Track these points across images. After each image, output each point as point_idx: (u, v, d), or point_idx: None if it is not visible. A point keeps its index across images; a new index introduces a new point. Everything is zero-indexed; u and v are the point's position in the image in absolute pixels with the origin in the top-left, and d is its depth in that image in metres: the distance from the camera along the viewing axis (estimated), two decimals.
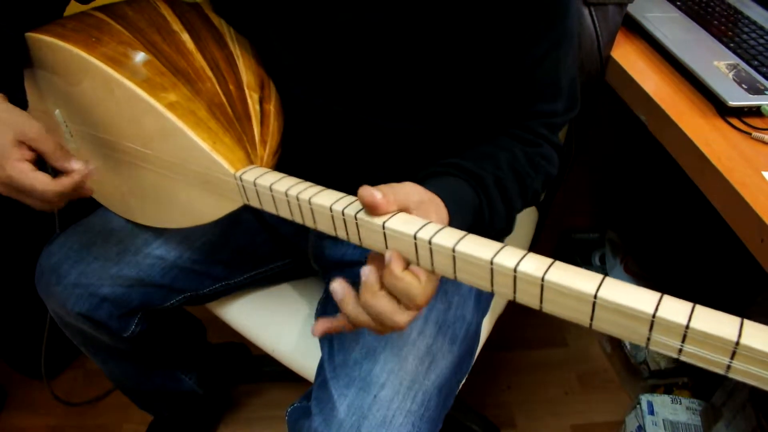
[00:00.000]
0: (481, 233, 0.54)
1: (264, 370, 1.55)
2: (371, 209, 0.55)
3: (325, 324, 0.62)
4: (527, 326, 1.74)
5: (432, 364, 0.80)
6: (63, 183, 0.69)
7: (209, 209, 0.74)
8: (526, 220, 1.26)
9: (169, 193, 0.78)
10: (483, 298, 0.92)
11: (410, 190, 0.59)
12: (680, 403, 1.34)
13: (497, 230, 0.73)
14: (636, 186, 1.69)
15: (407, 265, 0.55)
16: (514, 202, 0.74)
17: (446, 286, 0.87)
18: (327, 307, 0.93)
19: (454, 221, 0.62)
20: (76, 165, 0.71)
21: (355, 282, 0.91)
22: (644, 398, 1.36)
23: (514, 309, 1.15)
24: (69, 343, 1.09)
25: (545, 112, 0.78)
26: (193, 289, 0.99)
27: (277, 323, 1.05)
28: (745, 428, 1.13)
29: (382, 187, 0.57)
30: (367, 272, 0.56)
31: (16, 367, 1.56)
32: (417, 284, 0.54)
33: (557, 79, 0.76)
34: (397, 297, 0.55)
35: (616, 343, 1.60)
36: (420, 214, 0.57)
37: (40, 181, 0.68)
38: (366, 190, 0.54)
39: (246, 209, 1.00)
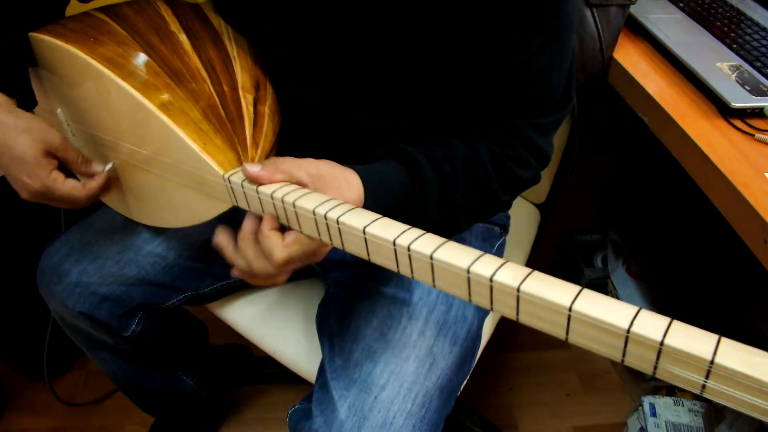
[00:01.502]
0: (410, 219, 0.55)
1: (266, 371, 1.55)
2: (252, 182, 0.61)
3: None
4: (529, 328, 1.73)
5: (433, 366, 0.80)
6: (91, 187, 0.77)
7: (201, 210, 0.74)
8: (528, 221, 1.27)
9: (163, 193, 0.78)
10: None
11: (304, 164, 0.63)
12: (682, 405, 1.34)
13: (431, 221, 0.72)
14: (638, 187, 1.69)
15: (281, 229, 0.62)
16: (459, 196, 0.73)
17: None
18: (328, 307, 0.93)
19: (373, 200, 0.65)
20: (97, 167, 0.78)
21: (353, 283, 0.91)
22: (646, 400, 1.36)
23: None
24: (71, 344, 1.09)
25: (534, 111, 0.77)
26: (193, 288, 0.99)
27: (278, 324, 1.05)
28: (747, 431, 1.13)
29: (267, 161, 0.63)
30: (247, 222, 0.64)
31: (18, 368, 1.56)
32: (279, 243, 0.60)
33: (549, 77, 0.75)
34: (264, 252, 0.61)
35: None
36: (317, 187, 0.61)
37: (75, 188, 0.74)
38: (244, 166, 0.62)
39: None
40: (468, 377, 0.91)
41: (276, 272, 0.62)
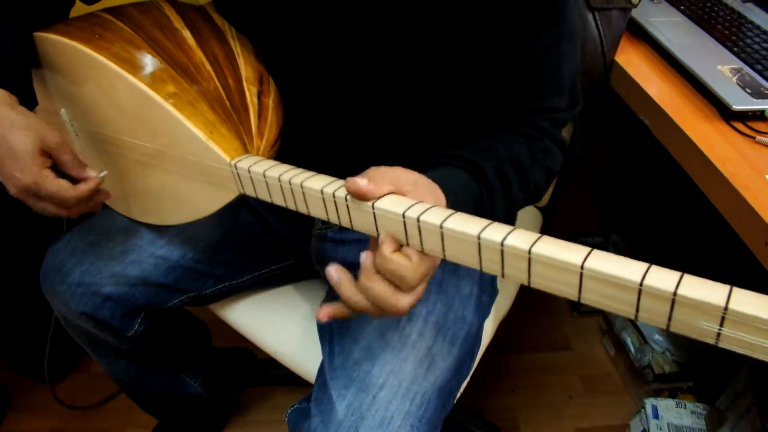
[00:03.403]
0: None
1: (270, 373, 1.55)
2: (361, 197, 0.56)
3: (328, 309, 0.62)
4: (531, 330, 1.74)
5: (431, 366, 0.80)
6: (81, 189, 0.74)
7: (207, 201, 0.75)
8: (529, 222, 1.27)
9: (169, 188, 0.79)
10: (484, 300, 0.92)
11: (401, 173, 0.60)
12: (685, 407, 1.34)
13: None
14: (640, 189, 1.69)
15: (399, 247, 0.56)
16: (515, 194, 0.73)
17: (447, 288, 0.87)
18: None
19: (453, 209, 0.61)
20: (91, 173, 0.76)
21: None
22: (649, 402, 1.36)
23: (517, 312, 1.15)
24: (73, 346, 1.09)
25: (548, 108, 0.78)
26: (195, 289, 0.99)
27: (279, 325, 1.05)
28: None
29: (369, 171, 0.59)
30: (365, 257, 0.57)
31: (20, 370, 1.56)
32: (407, 264, 0.55)
33: (559, 74, 0.76)
34: (390, 279, 0.56)
35: (620, 346, 1.60)
36: (415, 195, 0.58)
37: (64, 187, 0.72)
38: (351, 181, 0.56)
39: (248, 210, 1.01)
40: (468, 378, 0.91)
41: (411, 299, 0.57)
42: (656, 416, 1.34)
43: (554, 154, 0.80)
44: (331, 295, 0.96)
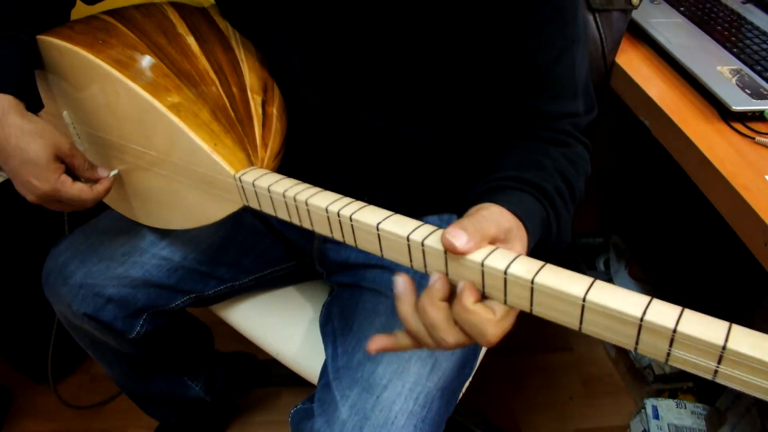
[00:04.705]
0: (548, 248, 0.53)
1: (273, 374, 1.55)
2: (459, 254, 0.50)
3: (382, 341, 0.58)
4: (532, 330, 1.73)
5: (434, 366, 0.80)
6: (98, 190, 0.78)
7: (210, 211, 0.74)
8: None
9: (171, 195, 0.79)
10: None
11: (499, 218, 0.54)
12: (685, 408, 1.34)
13: (564, 243, 0.69)
14: (640, 190, 1.69)
15: (480, 296, 0.51)
16: (569, 207, 0.69)
17: None
18: (332, 308, 0.93)
19: (531, 241, 0.57)
20: (103, 173, 0.80)
21: (357, 284, 0.91)
22: (649, 403, 1.36)
23: (518, 313, 1.15)
24: (75, 347, 1.09)
25: (568, 112, 0.75)
26: (198, 290, 0.99)
27: (281, 326, 1.06)
28: None
29: (468, 223, 0.51)
30: (436, 278, 0.52)
31: (22, 371, 1.56)
32: (491, 317, 0.49)
33: (573, 78, 0.74)
34: (467, 330, 0.51)
35: (620, 348, 1.60)
36: (508, 245, 0.53)
37: (84, 190, 0.76)
38: (447, 240, 0.49)
39: (251, 212, 1.01)
40: (470, 379, 0.91)
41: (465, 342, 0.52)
42: (657, 417, 1.34)
43: (586, 157, 0.77)
44: (334, 297, 0.96)
